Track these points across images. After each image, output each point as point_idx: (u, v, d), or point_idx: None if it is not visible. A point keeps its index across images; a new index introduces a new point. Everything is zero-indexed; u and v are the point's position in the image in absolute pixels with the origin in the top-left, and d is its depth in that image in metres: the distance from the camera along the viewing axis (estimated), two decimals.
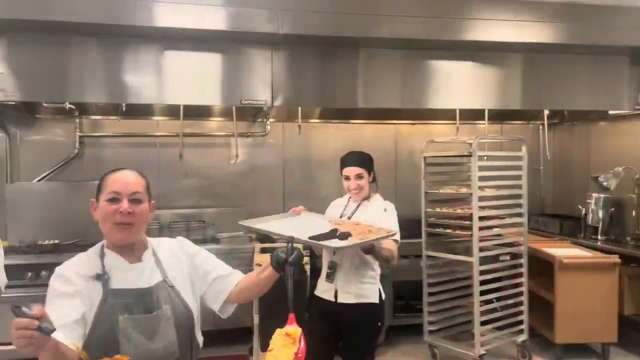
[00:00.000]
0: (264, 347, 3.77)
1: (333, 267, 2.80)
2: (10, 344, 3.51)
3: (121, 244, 1.64)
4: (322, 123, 5.18)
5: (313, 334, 2.94)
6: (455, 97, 4.47)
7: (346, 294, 2.78)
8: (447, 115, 5.02)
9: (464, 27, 4.15)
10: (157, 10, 3.67)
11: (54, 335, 1.29)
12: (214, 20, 3.77)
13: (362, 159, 2.92)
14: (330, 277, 2.80)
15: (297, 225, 2.61)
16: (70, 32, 3.71)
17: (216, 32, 3.82)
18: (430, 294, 4.06)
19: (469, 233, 3.80)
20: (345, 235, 2.38)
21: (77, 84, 3.81)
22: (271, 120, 4.96)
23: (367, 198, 2.95)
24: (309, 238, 2.35)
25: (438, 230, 4.04)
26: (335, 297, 2.80)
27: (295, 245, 1.71)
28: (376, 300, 2.81)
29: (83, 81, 3.82)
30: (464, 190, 4.05)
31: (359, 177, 2.88)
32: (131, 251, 1.66)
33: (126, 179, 1.64)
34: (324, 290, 2.86)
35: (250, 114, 4.86)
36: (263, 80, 4.06)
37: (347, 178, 2.90)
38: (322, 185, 5.10)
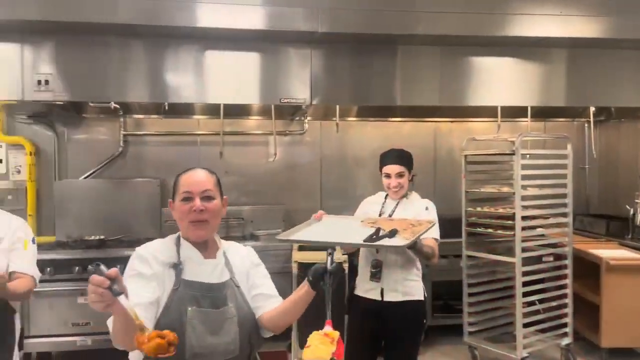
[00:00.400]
0: (303, 344, 3.79)
1: (378, 266, 2.79)
2: (61, 335, 3.58)
3: (198, 241, 1.71)
4: (359, 121, 5.16)
5: (356, 335, 2.96)
6: (496, 94, 4.41)
7: (393, 292, 2.78)
8: (487, 112, 4.92)
9: (506, 23, 4.08)
10: (197, 11, 3.74)
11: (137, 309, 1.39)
12: (253, 19, 3.82)
13: (403, 157, 2.91)
14: (376, 276, 2.79)
15: (333, 230, 2.60)
16: (114, 34, 3.83)
17: (255, 31, 3.87)
18: (470, 295, 4.00)
19: (512, 233, 3.72)
20: (392, 233, 2.36)
21: (121, 84, 3.93)
22: (309, 118, 4.98)
23: (405, 196, 2.93)
24: (364, 241, 2.34)
25: (479, 229, 3.97)
26: (382, 295, 2.79)
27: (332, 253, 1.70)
28: (421, 298, 2.81)
29: (127, 81, 3.94)
30: (505, 189, 3.96)
31: (400, 175, 2.86)
32: (205, 247, 1.74)
33: (197, 178, 1.71)
34: (367, 289, 2.85)
35: (289, 112, 4.89)
36: (302, 78, 4.08)
37: (388, 176, 2.88)
38: (359, 183, 5.09)
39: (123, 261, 4.25)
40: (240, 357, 1.67)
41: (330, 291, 1.63)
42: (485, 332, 4.05)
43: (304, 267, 3.82)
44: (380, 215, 2.90)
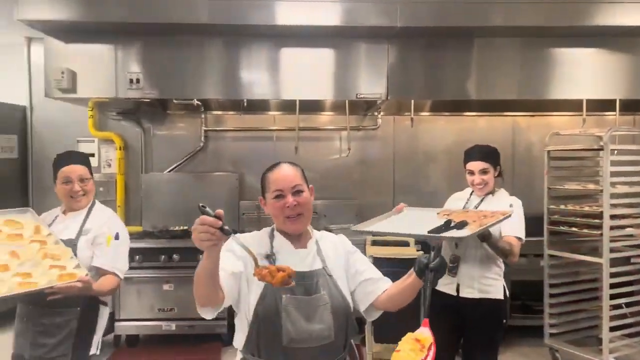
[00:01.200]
0: (378, 338, 3.82)
1: (455, 261, 2.76)
2: (148, 319, 3.71)
3: (296, 233, 1.78)
4: (432, 116, 5.09)
5: (433, 328, 2.94)
6: (581, 86, 4.25)
7: (469, 289, 2.74)
8: (570, 106, 4.71)
9: (591, 12, 3.92)
10: (273, 9, 3.83)
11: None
12: (329, 16, 3.87)
13: (487, 153, 2.84)
14: (452, 271, 2.77)
15: (409, 222, 2.60)
16: (195, 34, 4.01)
17: (331, 27, 3.91)
18: (551, 295, 3.86)
19: (598, 232, 3.55)
20: (461, 225, 2.32)
21: (203, 82, 4.12)
22: (382, 113, 4.97)
23: (491, 192, 2.87)
24: (428, 232, 2.33)
25: (562, 228, 3.82)
26: (457, 291, 2.76)
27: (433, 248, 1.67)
28: (500, 297, 2.74)
29: (207, 79, 4.11)
30: (591, 186, 3.79)
31: (484, 171, 2.81)
32: (298, 238, 1.80)
33: (285, 175, 1.77)
34: (444, 283, 2.82)
35: (362, 107, 4.91)
36: (378, 73, 4.10)
37: (471, 173, 2.84)
38: (432, 179, 5.04)
39: None
40: (335, 344, 1.71)
41: (430, 289, 1.62)
42: (566, 335, 3.89)
43: (378, 261, 3.83)
44: None
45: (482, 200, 2.85)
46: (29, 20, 3.66)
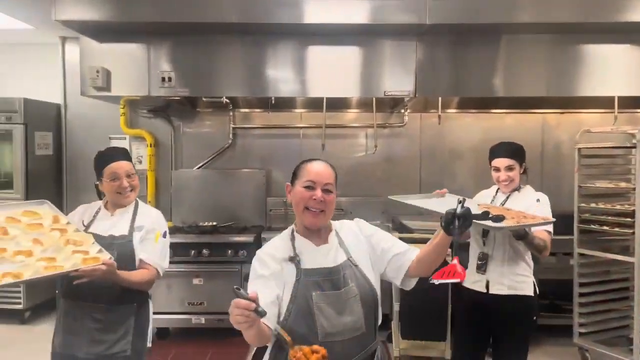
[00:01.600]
0: (404, 334, 3.84)
1: (484, 258, 2.77)
2: (178, 313, 3.73)
3: (312, 228, 1.81)
4: (459, 113, 5.07)
5: (463, 326, 2.97)
6: (612, 83, 4.17)
7: (499, 285, 2.74)
8: (601, 103, 4.64)
9: (624, 8, 3.85)
10: (301, 8, 3.86)
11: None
12: (357, 14, 3.88)
13: (512, 150, 2.84)
14: (481, 269, 2.77)
15: (446, 204, 2.63)
16: (223, 33, 4.07)
17: (359, 25, 3.93)
18: (581, 294, 3.82)
19: (630, 231, 3.50)
20: (499, 218, 2.32)
21: (232, 80, 4.17)
22: (409, 111, 4.97)
23: (517, 189, 2.87)
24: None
25: (593, 227, 3.77)
26: (487, 288, 2.76)
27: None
28: (530, 293, 2.74)
29: (236, 77, 4.17)
30: (623, 184, 3.74)
31: (510, 168, 2.81)
32: (318, 234, 1.83)
33: (321, 171, 1.81)
34: (473, 281, 2.83)
35: (388, 105, 4.92)
36: (406, 71, 4.10)
37: (497, 169, 2.84)
38: (459, 176, 5.02)
39: (233, 247, 4.53)
40: (367, 333, 1.74)
41: (459, 233, 1.67)
42: (596, 335, 3.85)
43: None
44: None
45: (508, 197, 2.85)
46: (66, 20, 3.77)
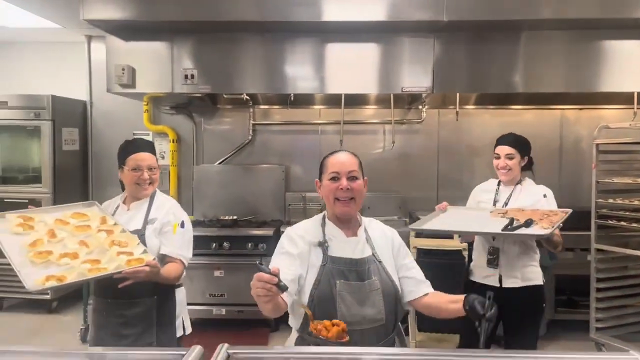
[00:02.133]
0: (421, 327, 3.89)
1: (495, 253, 2.82)
2: (199, 304, 3.81)
3: (344, 217, 1.88)
4: (478, 109, 5.08)
5: (474, 320, 3.01)
6: (631, 79, 4.14)
7: (512, 279, 2.78)
8: (620, 99, 4.62)
9: None
10: (320, 6, 3.92)
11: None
12: (375, 11, 3.92)
13: (515, 140, 2.91)
14: (493, 263, 2.82)
15: (465, 221, 2.75)
16: (244, 31, 4.15)
17: (376, 22, 3.97)
18: (598, 290, 3.83)
19: None
20: (529, 223, 2.43)
21: (252, 77, 4.25)
22: (426, 107, 5.00)
23: (518, 182, 2.93)
24: (502, 230, 2.45)
25: (610, 222, 3.78)
26: (500, 282, 2.81)
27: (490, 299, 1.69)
28: (540, 282, 2.81)
29: (256, 74, 4.24)
30: None
31: (509, 157, 2.87)
32: (348, 225, 1.90)
33: (343, 160, 1.88)
34: (485, 275, 2.87)
35: (406, 101, 4.96)
36: (423, 67, 4.13)
37: (497, 157, 2.91)
38: (476, 172, 5.02)
39: (253, 240, 4.62)
40: (386, 325, 1.80)
41: (485, 338, 1.62)
42: (613, 330, 3.86)
43: (423, 252, 3.90)
44: (494, 203, 2.93)
45: (512, 191, 2.90)
46: (94, 20, 3.90)
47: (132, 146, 2.46)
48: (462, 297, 1.74)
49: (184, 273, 2.46)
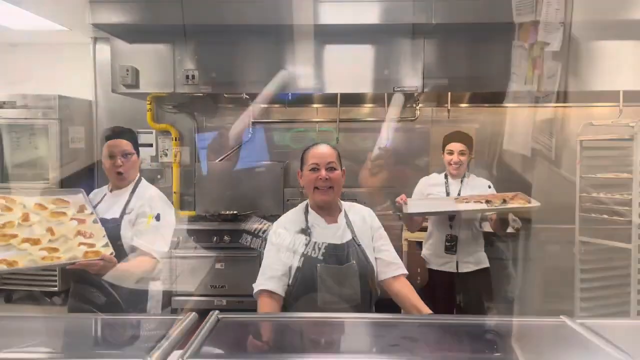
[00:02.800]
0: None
1: (453, 240, 3.02)
2: (202, 295, 3.92)
3: (323, 205, 2.06)
4: (471, 107, 5.23)
5: (434, 303, 3.17)
6: (618, 77, 4.30)
7: (467, 264, 3.03)
8: (609, 97, 4.76)
9: (635, 4, 3.96)
10: (317, 10, 4.09)
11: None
12: (369, 15, 4.09)
13: (466, 138, 3.18)
14: (451, 250, 3.02)
15: (438, 207, 3.00)
16: (246, 33, 4.31)
17: (371, 25, 4.13)
18: (582, 280, 4.00)
19: (628, 219, 3.67)
20: (505, 202, 2.69)
21: (251, 78, 4.41)
22: (420, 105, 5.16)
23: (465, 176, 3.21)
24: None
25: (593, 215, 3.94)
26: (457, 267, 3.02)
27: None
28: (488, 265, 3.06)
29: (256, 75, 4.40)
30: (625, 175, 3.89)
31: (462, 153, 3.13)
32: (329, 212, 2.08)
33: (322, 152, 2.06)
34: (442, 263, 3.08)
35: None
36: (414, 68, 4.29)
37: (451, 153, 3.16)
38: (470, 169, 5.16)
39: (254, 234, 4.74)
40: (362, 305, 1.98)
41: None
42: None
43: (414, 244, 4.07)
44: (447, 194, 3.17)
45: (462, 183, 3.17)
46: (100, 23, 4.07)
47: (107, 134, 2.45)
48: (425, 308, 1.89)
49: (157, 268, 2.37)
